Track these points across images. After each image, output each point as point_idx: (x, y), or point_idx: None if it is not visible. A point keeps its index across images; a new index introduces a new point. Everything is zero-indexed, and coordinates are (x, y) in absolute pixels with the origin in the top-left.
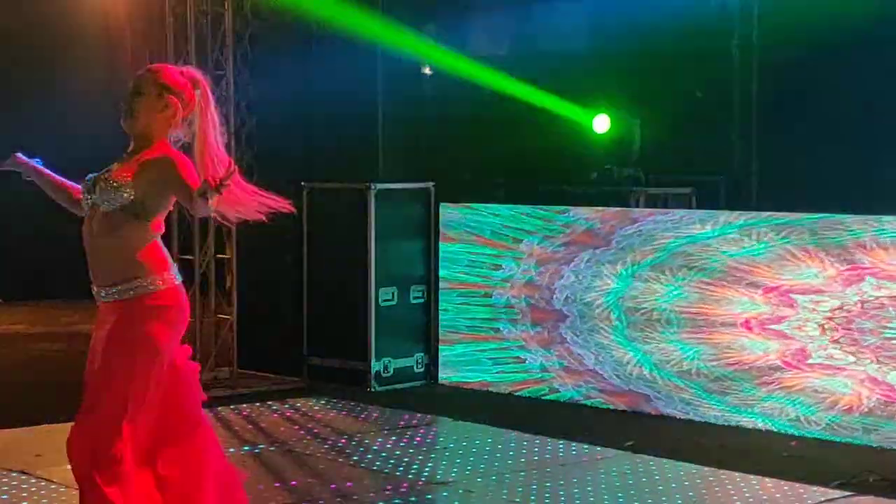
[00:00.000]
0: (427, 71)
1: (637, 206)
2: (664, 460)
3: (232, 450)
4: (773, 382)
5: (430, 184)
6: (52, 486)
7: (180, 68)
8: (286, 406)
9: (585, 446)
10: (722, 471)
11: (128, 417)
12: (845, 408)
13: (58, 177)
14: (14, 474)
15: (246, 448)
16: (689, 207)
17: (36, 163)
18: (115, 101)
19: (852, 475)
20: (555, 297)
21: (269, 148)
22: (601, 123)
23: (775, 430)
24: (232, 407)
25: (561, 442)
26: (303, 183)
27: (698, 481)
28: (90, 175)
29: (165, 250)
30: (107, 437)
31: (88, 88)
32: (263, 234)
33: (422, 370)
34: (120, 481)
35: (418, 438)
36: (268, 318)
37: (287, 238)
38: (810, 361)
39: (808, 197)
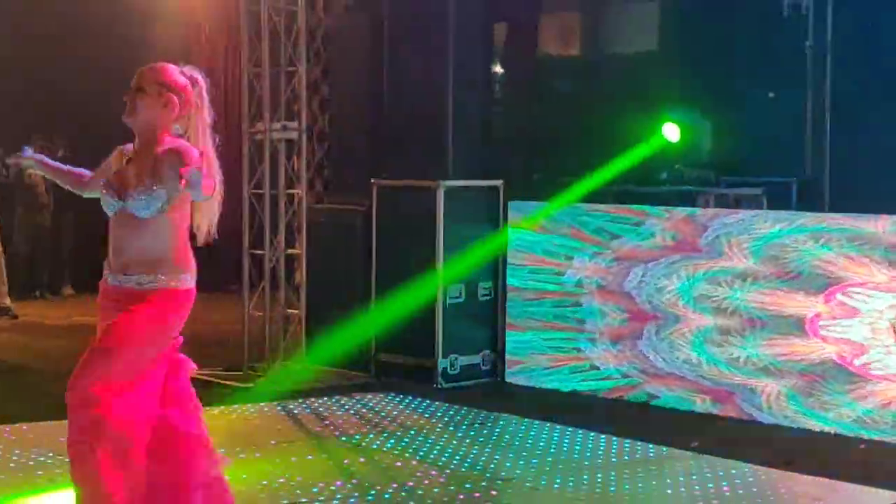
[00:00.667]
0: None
1: (706, 207)
2: (729, 461)
3: (298, 443)
4: (851, 385)
5: (499, 182)
6: None
7: (181, 67)
8: (353, 401)
9: (651, 446)
10: (788, 472)
11: (125, 379)
12: None
13: (60, 165)
14: None
15: (312, 442)
16: (759, 209)
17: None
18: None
19: None
20: (630, 294)
21: (340, 145)
22: (671, 132)
23: (844, 432)
24: (299, 401)
25: (626, 441)
26: (373, 180)
27: (763, 480)
28: (103, 179)
29: (190, 250)
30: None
31: None
32: (333, 230)
33: (488, 367)
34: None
35: (484, 435)
36: (336, 314)
37: (357, 234)
38: (881, 364)
39: (881, 199)
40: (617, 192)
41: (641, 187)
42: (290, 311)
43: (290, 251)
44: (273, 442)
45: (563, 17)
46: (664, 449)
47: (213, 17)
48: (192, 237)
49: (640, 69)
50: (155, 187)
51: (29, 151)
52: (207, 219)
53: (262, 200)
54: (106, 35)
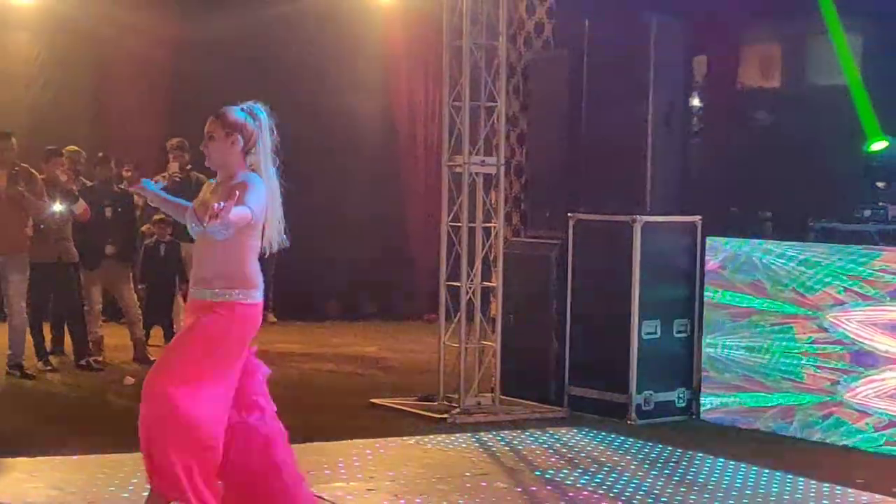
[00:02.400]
0: None
1: None
2: None
3: (492, 475)
4: None
5: (697, 217)
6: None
7: (241, 105)
8: (547, 435)
9: (851, 491)
10: None
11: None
12: None
13: (173, 199)
14: None
15: (506, 475)
16: None
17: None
18: (390, 123)
19: None
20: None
21: (537, 179)
22: (879, 146)
23: None
24: (493, 433)
25: (826, 485)
26: (570, 214)
27: None
28: (190, 205)
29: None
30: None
31: (365, 111)
32: (529, 263)
33: (683, 404)
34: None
35: (678, 473)
36: (531, 347)
37: (553, 268)
38: None
39: None
40: (819, 229)
41: (845, 225)
42: (484, 342)
43: (486, 283)
44: (468, 474)
45: (763, 49)
46: (865, 495)
47: (413, 51)
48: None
49: (840, 101)
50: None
51: (153, 185)
52: (276, 232)
53: (459, 233)
54: (301, 69)
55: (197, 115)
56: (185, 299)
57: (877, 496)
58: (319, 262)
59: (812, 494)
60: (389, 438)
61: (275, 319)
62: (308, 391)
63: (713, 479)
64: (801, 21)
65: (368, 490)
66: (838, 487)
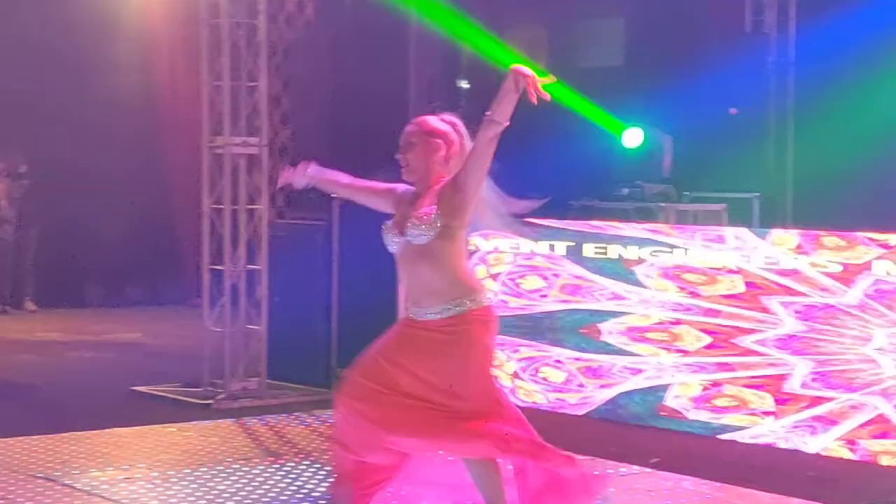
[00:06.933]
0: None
1: (667, 222)
2: (687, 477)
3: (256, 460)
4: None
5: None
6: (77, 493)
7: (439, 115)
8: (312, 417)
9: (610, 462)
10: (745, 489)
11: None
12: None
13: (342, 177)
14: (39, 480)
15: (270, 458)
16: (721, 224)
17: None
18: (150, 104)
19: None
20: None
21: (301, 159)
22: (632, 138)
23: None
24: (258, 418)
25: (584, 458)
26: (333, 195)
27: (720, 495)
28: (386, 222)
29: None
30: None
31: (124, 92)
32: (294, 246)
33: None
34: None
35: None
36: (298, 330)
37: (317, 249)
38: None
39: (842, 212)
40: (579, 207)
41: (604, 203)
42: (250, 327)
43: (250, 267)
44: (229, 459)
45: (529, 31)
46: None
47: (171, 29)
48: None
49: (603, 84)
50: (436, 219)
51: (314, 168)
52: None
53: (222, 216)
54: (63, 49)
55: None
56: None
57: (634, 467)
58: (81, 248)
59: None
60: (150, 426)
61: (34, 308)
62: (68, 380)
63: None
64: (568, 3)
65: (125, 478)
66: (597, 461)
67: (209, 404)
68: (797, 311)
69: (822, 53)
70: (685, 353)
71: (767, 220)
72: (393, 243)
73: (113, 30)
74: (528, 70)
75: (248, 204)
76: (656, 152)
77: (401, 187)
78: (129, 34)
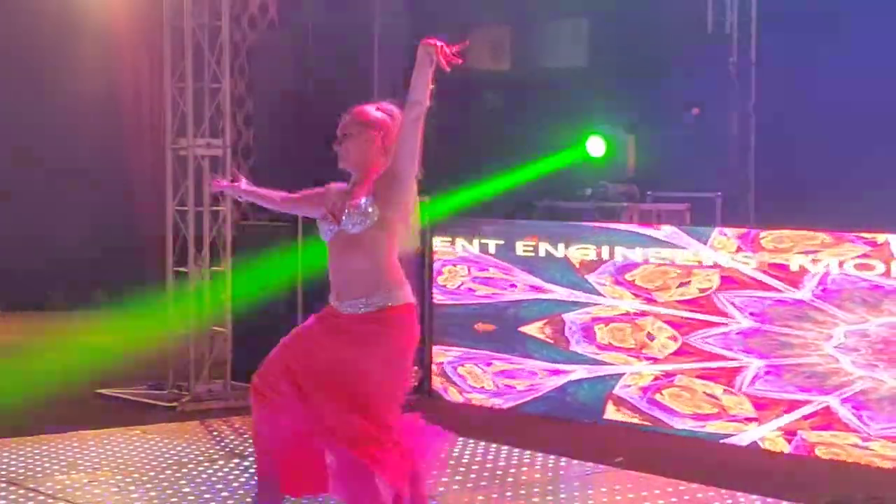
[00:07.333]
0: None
1: (630, 222)
2: (652, 476)
3: (221, 462)
4: None
5: (426, 197)
6: (41, 497)
7: (375, 104)
8: None
9: (575, 462)
10: (711, 488)
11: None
12: None
13: (262, 190)
14: (2, 485)
15: (236, 460)
16: (684, 224)
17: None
18: (114, 105)
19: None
20: None
21: (265, 160)
22: (595, 146)
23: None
24: (223, 419)
25: (551, 457)
26: None
27: (686, 497)
28: (322, 210)
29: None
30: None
31: (87, 93)
32: (258, 247)
33: (415, 383)
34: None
35: None
36: (265, 331)
37: (281, 249)
38: None
39: (805, 212)
40: (543, 207)
41: (568, 203)
42: (215, 328)
43: (215, 269)
44: (195, 461)
45: (493, 32)
46: (588, 464)
47: (134, 31)
48: None
49: (567, 84)
50: (372, 208)
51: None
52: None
53: (186, 217)
54: (25, 50)
55: None
56: None
57: (600, 466)
58: (45, 250)
59: (538, 466)
60: (115, 429)
61: None
62: (31, 383)
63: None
64: (530, 4)
65: (90, 481)
66: (563, 460)
67: (174, 406)
68: (749, 309)
69: (784, 54)
70: (643, 347)
71: (730, 219)
72: (327, 231)
73: (75, 31)
74: (435, 40)
75: (212, 205)
76: (619, 152)
77: (336, 185)
78: (92, 36)
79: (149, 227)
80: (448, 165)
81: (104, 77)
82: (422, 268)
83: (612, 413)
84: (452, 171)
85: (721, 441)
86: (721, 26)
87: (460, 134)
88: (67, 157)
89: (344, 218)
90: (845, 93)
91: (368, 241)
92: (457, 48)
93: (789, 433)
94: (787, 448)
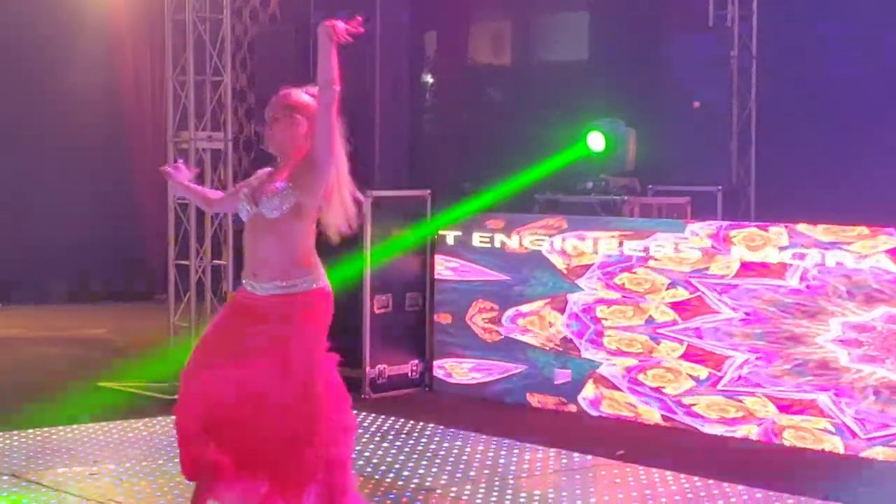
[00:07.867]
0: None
1: (631, 216)
2: (653, 470)
3: None
4: None
5: (427, 192)
6: (43, 490)
7: (304, 88)
8: None
9: (576, 455)
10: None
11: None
12: None
13: (200, 189)
14: (4, 477)
15: None
16: (685, 217)
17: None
18: (115, 98)
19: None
20: None
21: (266, 154)
22: (596, 141)
23: None
24: None
25: (552, 450)
26: None
27: (689, 495)
28: (244, 189)
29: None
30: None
31: (88, 87)
32: None
33: (416, 377)
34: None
35: (410, 444)
36: None
37: None
38: None
39: (804, 207)
40: (544, 202)
41: (568, 196)
42: None
43: (216, 262)
44: None
45: (493, 26)
46: (589, 457)
47: (137, 25)
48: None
49: (567, 78)
50: (289, 193)
51: (184, 171)
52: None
53: (187, 211)
54: (26, 45)
55: None
56: None
57: (601, 459)
58: (46, 243)
59: (539, 457)
60: (116, 422)
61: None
62: (33, 376)
63: (443, 448)
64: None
65: (91, 474)
66: (563, 452)
67: (175, 400)
68: (732, 299)
69: (784, 47)
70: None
71: (730, 213)
72: (245, 211)
73: (77, 24)
74: (332, 20)
75: None
76: (620, 146)
77: (264, 169)
78: (93, 29)
79: (150, 221)
80: (448, 165)
81: (105, 70)
82: (423, 268)
83: (590, 391)
84: (453, 172)
85: (721, 434)
86: (722, 20)
87: (461, 130)
88: (68, 151)
89: (262, 201)
90: (846, 86)
91: (284, 225)
92: (356, 21)
93: (784, 427)
94: (786, 441)
